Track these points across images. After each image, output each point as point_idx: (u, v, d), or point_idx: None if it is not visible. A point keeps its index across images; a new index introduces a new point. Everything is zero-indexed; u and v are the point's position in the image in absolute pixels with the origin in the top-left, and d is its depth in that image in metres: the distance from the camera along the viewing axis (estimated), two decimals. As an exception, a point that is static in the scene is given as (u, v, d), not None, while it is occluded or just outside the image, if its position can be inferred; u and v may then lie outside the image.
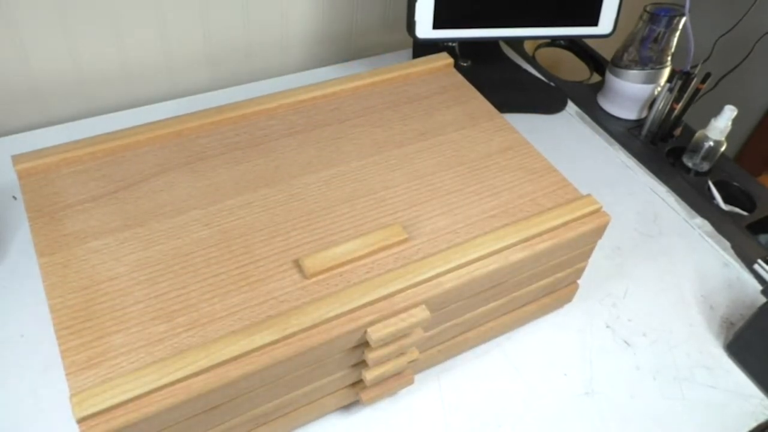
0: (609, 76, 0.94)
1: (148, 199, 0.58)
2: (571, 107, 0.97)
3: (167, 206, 0.57)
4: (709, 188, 0.87)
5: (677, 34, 0.89)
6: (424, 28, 0.84)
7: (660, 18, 0.87)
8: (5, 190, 0.74)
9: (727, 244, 0.79)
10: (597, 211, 0.61)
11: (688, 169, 0.88)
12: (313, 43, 0.97)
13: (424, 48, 0.95)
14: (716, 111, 0.83)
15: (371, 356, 0.53)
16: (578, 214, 0.60)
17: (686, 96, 0.87)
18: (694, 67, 0.87)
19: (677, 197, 0.85)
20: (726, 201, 0.86)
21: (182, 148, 0.63)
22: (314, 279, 0.52)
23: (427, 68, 0.75)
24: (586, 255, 0.65)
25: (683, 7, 0.86)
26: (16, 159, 0.59)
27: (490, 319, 0.63)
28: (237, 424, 0.51)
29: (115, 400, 0.43)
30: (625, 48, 0.91)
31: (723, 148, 0.85)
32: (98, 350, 0.46)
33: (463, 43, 0.98)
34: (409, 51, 1.02)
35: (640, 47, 0.89)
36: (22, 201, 0.60)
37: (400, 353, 0.55)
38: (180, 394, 0.45)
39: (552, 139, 0.90)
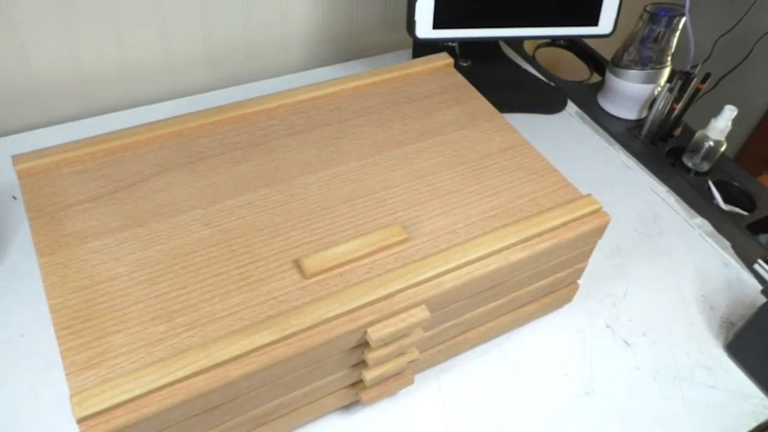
0: (609, 76, 0.94)
1: (148, 199, 0.58)
2: (571, 107, 0.97)
3: (167, 206, 0.57)
4: (709, 188, 0.87)
5: (677, 34, 0.89)
6: (424, 28, 0.84)
7: (660, 18, 0.87)
8: (5, 190, 0.74)
9: (727, 244, 0.79)
10: (597, 211, 0.61)
11: (688, 169, 0.88)
12: (313, 43, 0.97)
13: (424, 48, 0.95)
14: (716, 111, 0.83)
15: (371, 356, 0.53)
16: (578, 214, 0.60)
17: (686, 96, 0.87)
18: (694, 67, 0.87)
19: (677, 197, 0.85)
20: (726, 201, 0.86)
21: (182, 148, 0.63)
22: (314, 279, 0.52)
23: (427, 68, 0.75)
24: (586, 255, 0.65)
25: (683, 7, 0.86)
26: (16, 159, 0.59)
27: (490, 319, 0.63)
28: (237, 424, 0.51)
29: (115, 400, 0.43)
30: (625, 48, 0.91)
31: (723, 148, 0.85)
32: (98, 350, 0.46)
33: (463, 43, 0.98)
34: (409, 51, 1.02)
35: (640, 47, 0.89)
36: (22, 201, 0.60)
37: (400, 353, 0.55)
38: (180, 394, 0.45)
39: (552, 139, 0.90)
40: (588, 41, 1.10)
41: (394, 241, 0.55)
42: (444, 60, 0.76)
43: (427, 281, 0.53)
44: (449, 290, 0.54)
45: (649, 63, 0.90)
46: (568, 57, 1.12)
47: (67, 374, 0.45)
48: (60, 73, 0.81)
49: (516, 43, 1.07)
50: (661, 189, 0.86)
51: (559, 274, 0.64)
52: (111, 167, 0.60)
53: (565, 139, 0.91)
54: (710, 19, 1.22)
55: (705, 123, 0.85)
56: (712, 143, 0.84)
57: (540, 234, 0.58)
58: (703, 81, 0.86)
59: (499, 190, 0.62)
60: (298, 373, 0.51)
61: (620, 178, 0.86)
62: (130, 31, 0.82)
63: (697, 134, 0.86)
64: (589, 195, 0.62)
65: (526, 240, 0.57)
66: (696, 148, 0.86)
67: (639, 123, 0.95)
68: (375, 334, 0.50)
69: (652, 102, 0.92)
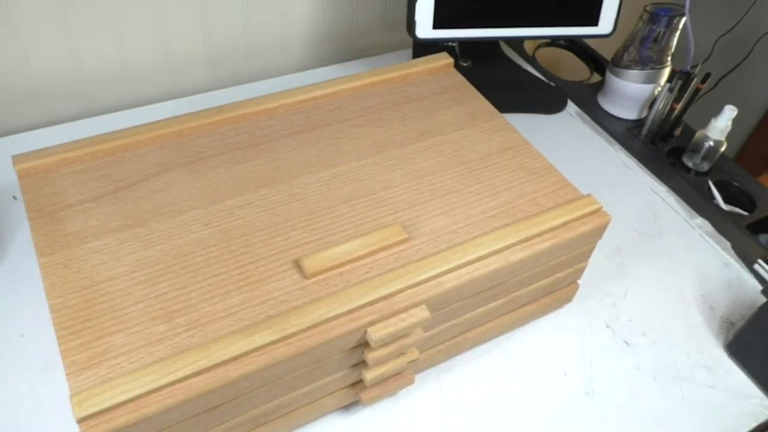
0: (609, 76, 0.94)
1: (148, 199, 0.58)
2: (571, 107, 0.97)
3: (167, 206, 0.57)
4: (709, 188, 0.87)
5: (677, 34, 0.89)
6: (424, 28, 0.84)
7: (660, 18, 0.87)
8: (5, 190, 0.74)
9: (727, 244, 0.79)
10: (597, 211, 0.61)
11: (688, 169, 0.88)
12: (313, 43, 0.97)
13: (424, 48, 0.95)
14: (716, 111, 0.83)
15: (371, 356, 0.53)
16: (578, 214, 0.60)
17: (686, 96, 0.87)
18: (694, 67, 0.87)
19: (677, 197, 0.85)
20: (726, 201, 0.86)
21: (182, 148, 0.63)
22: (314, 279, 0.52)
23: (427, 68, 0.75)
24: (586, 255, 0.65)
25: (683, 7, 0.86)
26: (16, 159, 0.59)
27: (490, 319, 0.63)
28: (237, 424, 0.51)
29: (115, 400, 0.43)
30: (625, 48, 0.91)
31: (723, 148, 0.85)
32: (98, 350, 0.46)
33: (463, 43, 0.98)
34: (409, 51, 1.02)
35: (640, 47, 0.89)
36: (22, 201, 0.60)
37: (400, 353, 0.55)
38: (180, 394, 0.45)
39: (552, 139, 0.90)
40: (588, 41, 1.10)
41: (394, 241, 0.55)
42: (444, 60, 0.76)
43: (427, 281, 0.53)
44: (449, 290, 0.54)
45: (649, 63, 0.90)
46: (568, 57, 1.12)
47: (67, 374, 0.45)
48: (60, 73, 0.81)
49: (516, 43, 1.07)
50: (661, 189, 0.86)
51: (559, 274, 0.64)
52: (111, 167, 0.60)
53: (565, 139, 0.91)
54: (710, 19, 1.22)
55: (705, 123, 0.85)
56: (712, 143, 0.84)
57: (540, 234, 0.58)
58: (703, 81, 0.86)
59: (499, 190, 0.62)
60: (298, 373, 0.51)
61: (620, 178, 0.86)
62: (130, 31, 0.82)
63: (697, 134, 0.86)
64: (589, 195, 0.62)
65: (526, 240, 0.57)
66: (696, 148, 0.86)
67: (639, 123, 0.95)
68: (375, 334, 0.50)
69: (652, 102, 0.92)
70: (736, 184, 0.87)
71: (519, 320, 0.66)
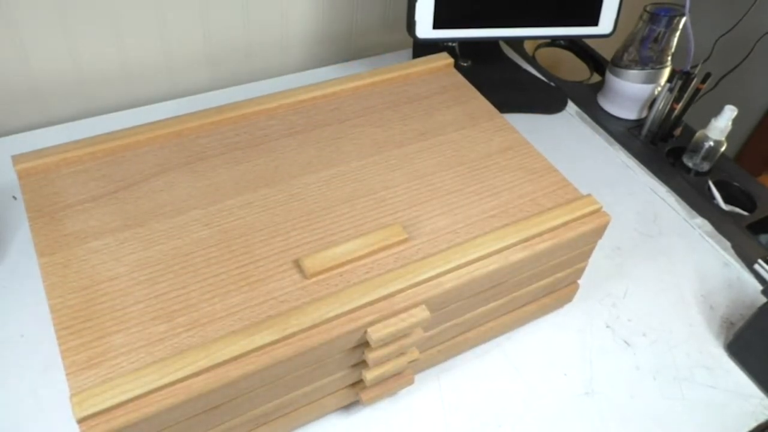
0: (609, 76, 0.94)
1: (148, 199, 0.58)
2: (571, 107, 0.97)
3: (167, 206, 0.57)
4: (709, 188, 0.87)
5: (677, 34, 0.89)
6: (424, 28, 0.84)
7: (660, 18, 0.87)
8: (5, 190, 0.74)
9: (728, 244, 0.79)
10: (597, 211, 0.61)
11: (688, 169, 0.88)
12: (313, 43, 0.97)
13: (424, 48, 0.95)
14: (716, 111, 0.83)
15: (371, 356, 0.53)
16: (578, 214, 0.60)
17: (686, 96, 0.87)
18: (694, 67, 0.87)
19: (677, 197, 0.85)
20: (726, 201, 0.86)
21: (182, 148, 0.63)
22: (314, 279, 0.52)
23: (427, 68, 0.75)
24: (586, 255, 0.65)
25: (683, 7, 0.86)
26: (16, 159, 0.59)
27: (490, 319, 0.63)
28: (237, 424, 0.51)
29: (115, 400, 0.43)
30: (625, 48, 0.91)
31: (723, 148, 0.85)
32: (98, 350, 0.46)
33: (463, 43, 0.98)
34: (409, 51, 1.02)
35: (640, 47, 0.89)
36: (22, 201, 0.60)
37: (400, 353, 0.55)
38: (180, 394, 0.45)
39: (552, 139, 0.90)
40: (588, 41, 1.10)
41: (394, 241, 0.55)
42: (444, 60, 0.76)
43: (427, 281, 0.53)
44: (449, 290, 0.54)
45: (649, 63, 0.90)
46: (568, 57, 1.12)
47: (67, 374, 0.45)
48: (60, 73, 0.81)
49: (516, 43, 1.07)
50: (661, 189, 0.86)
51: (559, 274, 0.64)
52: (111, 167, 0.60)
53: (565, 139, 0.91)
54: (710, 19, 1.22)
55: (705, 123, 0.85)
56: (712, 143, 0.84)
57: (540, 234, 0.58)
58: (703, 81, 0.86)
59: (499, 190, 0.62)
60: (299, 373, 0.51)
61: (620, 178, 0.86)
62: (130, 31, 0.82)
63: (697, 134, 0.86)
64: (589, 195, 0.62)
65: (526, 240, 0.57)
66: (696, 148, 0.86)
67: (639, 123, 0.95)
68: (375, 334, 0.50)
69: (652, 102, 0.92)
70: (736, 184, 0.87)
71: (519, 320, 0.66)
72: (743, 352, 0.67)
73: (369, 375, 0.55)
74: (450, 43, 0.96)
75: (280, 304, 0.50)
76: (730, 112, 0.82)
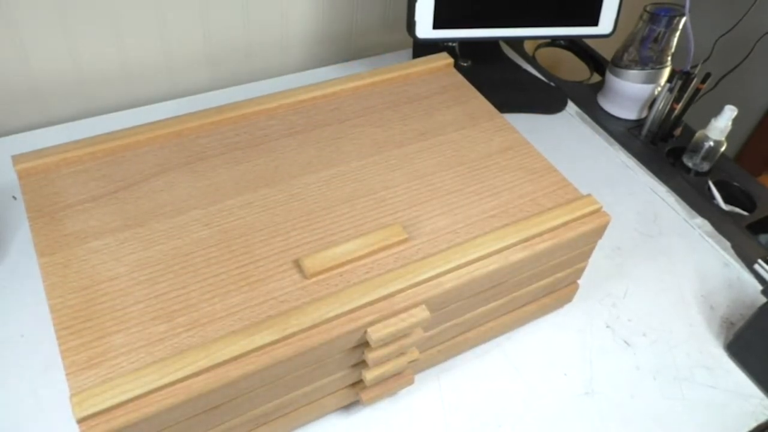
0: (609, 76, 0.94)
1: (148, 199, 0.58)
2: (571, 107, 0.97)
3: (167, 206, 0.57)
4: (709, 188, 0.87)
5: (677, 34, 0.89)
6: (424, 28, 0.84)
7: (660, 18, 0.87)
8: (5, 190, 0.74)
9: (727, 244, 0.79)
10: (597, 211, 0.61)
11: (688, 169, 0.88)
12: (313, 43, 0.97)
13: (424, 48, 0.95)
14: (716, 111, 0.83)
15: (371, 356, 0.53)
16: (578, 214, 0.60)
17: (686, 96, 0.87)
18: (694, 67, 0.87)
19: (677, 197, 0.85)
20: (726, 201, 0.86)
21: (182, 148, 0.63)
22: (314, 279, 0.52)
23: (427, 68, 0.75)
24: (586, 255, 0.65)
25: (683, 7, 0.86)
26: (16, 159, 0.59)
27: (490, 319, 0.63)
28: (237, 424, 0.51)
29: (115, 400, 0.43)
30: (625, 48, 0.91)
31: (723, 148, 0.85)
32: (98, 350, 0.46)
33: (463, 43, 0.98)
34: (409, 51, 1.02)
35: (640, 47, 0.89)
36: (22, 201, 0.60)
37: (400, 353, 0.55)
38: (180, 394, 0.45)
39: (552, 139, 0.90)
40: (588, 41, 1.10)
41: (394, 241, 0.55)
42: (444, 60, 0.76)
43: (427, 281, 0.53)
44: (449, 290, 0.54)
45: (649, 63, 0.90)
46: (568, 57, 1.12)
47: (67, 374, 0.45)
48: (60, 73, 0.81)
49: (516, 43, 1.07)
50: (661, 189, 0.86)
51: (559, 274, 0.64)
52: (111, 167, 0.60)
53: (565, 139, 0.91)
54: (710, 19, 1.22)
55: (705, 123, 0.85)
56: (712, 143, 0.84)
57: (540, 234, 0.58)
58: (703, 81, 0.86)
59: (499, 190, 0.62)
60: (298, 373, 0.51)
61: (620, 178, 0.86)
62: (130, 31, 0.82)
63: (697, 134, 0.86)
64: (589, 195, 0.62)
65: (526, 240, 0.57)
66: (696, 148, 0.86)
67: (639, 123, 0.95)
68: (375, 334, 0.50)
69: (652, 102, 0.92)
70: (736, 184, 0.87)
71: (519, 320, 0.66)
72: (743, 352, 0.67)
73: (369, 375, 0.55)
74: (450, 43, 0.96)
75: (280, 304, 0.50)
76: (730, 112, 0.82)
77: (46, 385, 0.58)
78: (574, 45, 1.11)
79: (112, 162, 0.61)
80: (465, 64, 0.97)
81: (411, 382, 0.59)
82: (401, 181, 0.62)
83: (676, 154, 0.90)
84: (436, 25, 0.84)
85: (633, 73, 0.91)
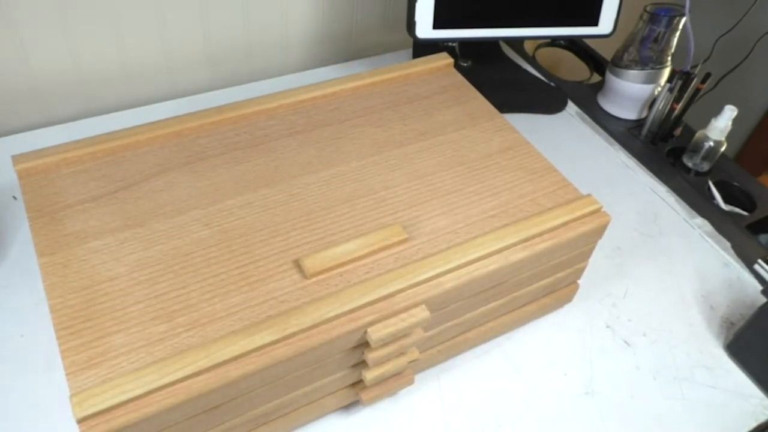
0: (609, 76, 0.94)
1: (148, 199, 0.58)
2: (571, 107, 0.97)
3: (167, 206, 0.57)
4: (709, 188, 0.87)
5: (677, 34, 0.89)
6: (424, 28, 0.84)
7: (660, 18, 0.87)
8: (5, 190, 0.74)
9: (727, 244, 0.79)
10: (597, 211, 0.61)
11: (688, 169, 0.88)
12: (313, 43, 0.97)
13: (424, 48, 0.95)
14: (716, 111, 0.83)
15: (371, 356, 0.53)
16: (578, 214, 0.60)
17: (686, 96, 0.87)
18: (694, 67, 0.87)
19: (677, 197, 0.85)
20: (726, 201, 0.86)
21: (182, 148, 0.63)
22: (314, 279, 0.52)
23: (427, 68, 0.75)
24: (586, 255, 0.65)
25: (683, 7, 0.86)
26: (16, 159, 0.59)
27: (490, 319, 0.63)
28: (237, 424, 0.51)
29: (115, 400, 0.43)
30: (625, 48, 0.91)
31: (723, 148, 0.85)
32: (98, 350, 0.46)
33: (463, 43, 0.98)
34: (409, 51, 1.02)
35: (640, 47, 0.89)
36: (22, 201, 0.60)
37: (400, 353, 0.55)
38: (180, 395, 0.45)
39: (552, 139, 0.90)
40: (588, 41, 1.10)
41: (394, 241, 0.55)
42: (444, 60, 0.76)
43: (427, 281, 0.53)
44: (449, 290, 0.54)
45: (649, 63, 0.90)
46: (568, 57, 1.12)
47: (67, 374, 0.45)
48: (60, 73, 0.81)
49: (516, 43, 1.07)
50: (661, 189, 0.86)
51: (559, 274, 0.64)
52: (111, 167, 0.60)
53: (565, 139, 0.91)
54: (710, 19, 1.22)
55: (705, 123, 0.85)
56: (712, 143, 0.84)
57: (540, 234, 0.58)
58: (703, 81, 0.86)
59: (499, 190, 0.62)
60: (298, 373, 0.51)
61: (620, 178, 0.86)
62: (130, 31, 0.82)
63: (697, 134, 0.86)
64: (589, 195, 0.62)
65: (526, 240, 0.57)
66: (696, 148, 0.86)
67: (639, 123, 0.95)
68: (375, 334, 0.50)
69: (652, 102, 0.92)
70: (736, 184, 0.87)
71: (519, 320, 0.66)
72: (743, 352, 0.67)
73: (369, 375, 0.55)
74: (450, 43, 0.96)
75: (280, 304, 0.50)
76: (730, 112, 0.82)
77: (46, 385, 0.58)
78: (574, 45, 1.11)
79: (112, 162, 0.61)
80: (465, 64, 0.97)
81: (411, 382, 0.59)
82: (401, 181, 0.62)
83: (676, 154, 0.90)
84: (436, 25, 0.84)
85: (633, 73, 0.91)
